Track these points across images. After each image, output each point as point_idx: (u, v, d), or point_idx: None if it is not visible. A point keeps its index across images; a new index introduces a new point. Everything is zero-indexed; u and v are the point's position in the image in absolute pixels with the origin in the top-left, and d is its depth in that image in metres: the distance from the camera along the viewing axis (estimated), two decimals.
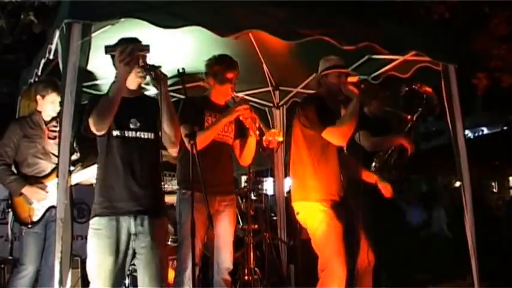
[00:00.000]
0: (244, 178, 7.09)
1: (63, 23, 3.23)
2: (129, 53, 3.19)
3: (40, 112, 4.63)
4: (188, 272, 3.86)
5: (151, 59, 3.43)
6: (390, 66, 5.04)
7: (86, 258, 3.31)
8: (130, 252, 3.33)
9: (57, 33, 3.37)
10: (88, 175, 4.37)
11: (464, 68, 4.38)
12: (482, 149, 9.96)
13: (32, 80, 4.48)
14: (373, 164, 5.02)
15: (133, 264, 3.56)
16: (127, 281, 4.76)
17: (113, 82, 3.33)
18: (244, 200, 6.24)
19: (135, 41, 3.37)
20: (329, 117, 4.07)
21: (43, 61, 3.87)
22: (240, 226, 5.72)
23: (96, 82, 5.37)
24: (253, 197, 6.06)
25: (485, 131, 12.72)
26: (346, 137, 4.08)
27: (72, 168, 4.45)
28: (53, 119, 4.60)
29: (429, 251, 7.77)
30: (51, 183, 4.41)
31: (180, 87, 3.78)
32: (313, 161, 4.13)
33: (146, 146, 3.40)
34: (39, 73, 4.20)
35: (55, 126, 4.53)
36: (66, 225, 3.18)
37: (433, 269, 6.48)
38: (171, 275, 4.53)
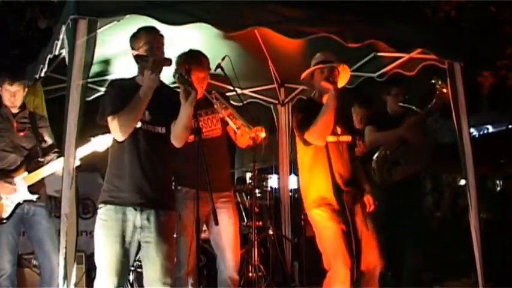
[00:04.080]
0: (249, 175, 7.08)
1: (69, 19, 3.24)
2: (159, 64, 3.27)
3: (7, 105, 4.53)
4: (187, 269, 3.87)
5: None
6: (396, 64, 5.03)
7: (90, 254, 3.31)
8: (135, 244, 3.34)
9: (63, 28, 3.37)
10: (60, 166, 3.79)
11: (470, 66, 4.35)
12: (487, 147, 9.93)
13: (37, 76, 4.48)
14: (374, 157, 5.03)
15: (139, 260, 3.54)
16: (131, 277, 4.76)
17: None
18: (248, 197, 6.25)
19: (153, 29, 3.39)
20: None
21: (49, 57, 3.87)
22: (245, 223, 5.72)
23: (102, 78, 5.38)
24: (257, 194, 6.07)
25: (491, 129, 12.68)
26: (322, 135, 3.94)
27: (42, 159, 4.41)
28: (21, 111, 4.54)
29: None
30: (20, 177, 4.34)
31: None
32: (308, 168, 4.10)
33: (156, 140, 3.39)
34: (45, 69, 4.20)
35: (24, 118, 4.50)
36: (71, 220, 3.18)
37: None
38: None
